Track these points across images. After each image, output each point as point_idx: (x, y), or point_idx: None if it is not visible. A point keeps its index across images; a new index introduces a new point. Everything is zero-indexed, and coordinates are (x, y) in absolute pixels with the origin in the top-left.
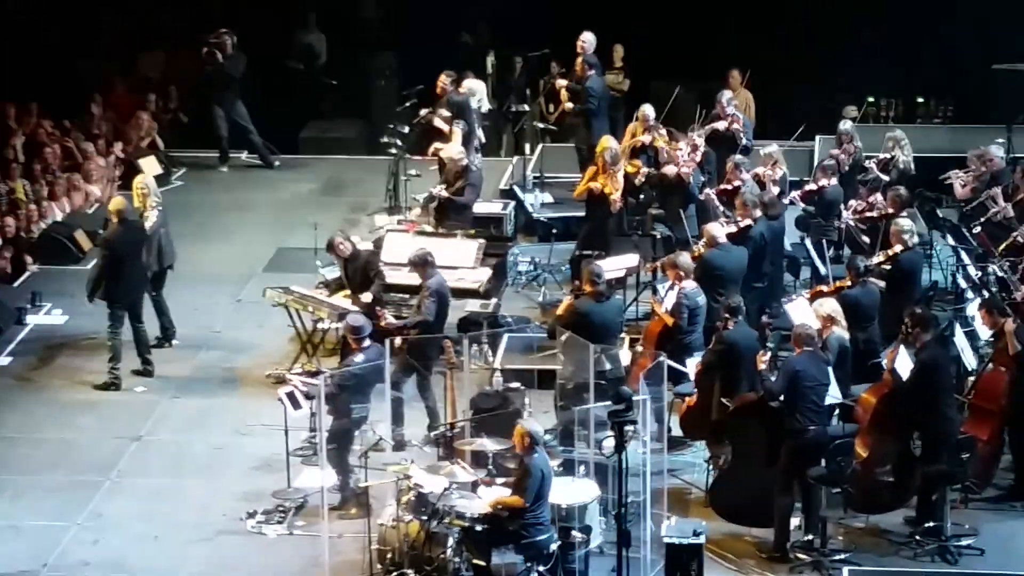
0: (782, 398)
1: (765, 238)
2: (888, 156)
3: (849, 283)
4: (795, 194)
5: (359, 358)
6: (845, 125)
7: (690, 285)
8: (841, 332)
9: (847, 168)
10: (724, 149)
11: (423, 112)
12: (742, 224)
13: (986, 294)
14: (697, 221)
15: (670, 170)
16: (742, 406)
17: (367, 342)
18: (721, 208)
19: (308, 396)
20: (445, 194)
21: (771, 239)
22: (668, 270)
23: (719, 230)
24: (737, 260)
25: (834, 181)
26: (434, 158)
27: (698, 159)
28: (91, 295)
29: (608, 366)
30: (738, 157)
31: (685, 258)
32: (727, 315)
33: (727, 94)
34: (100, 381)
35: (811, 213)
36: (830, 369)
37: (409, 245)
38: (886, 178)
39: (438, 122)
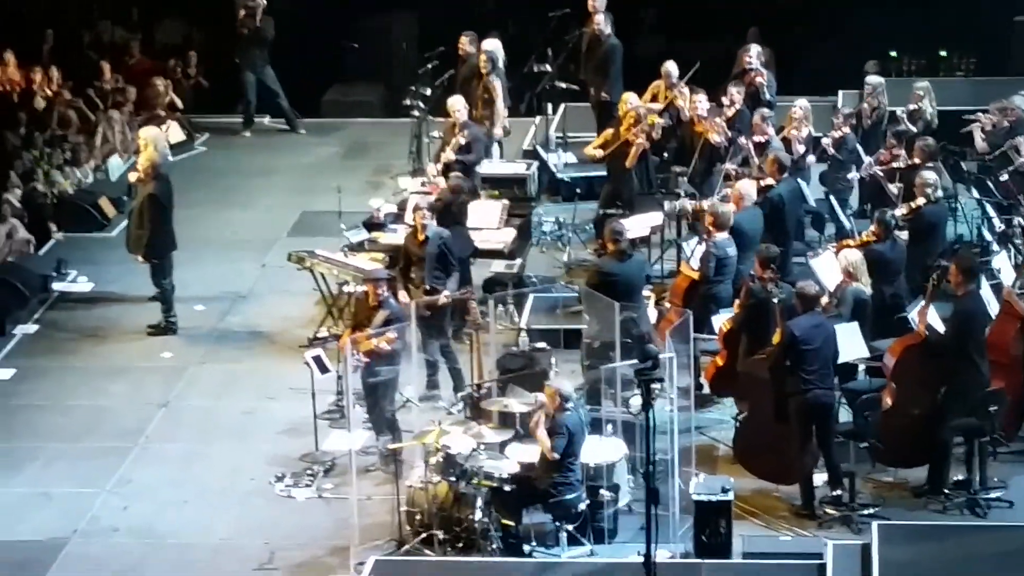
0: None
1: (784, 199)
2: (915, 107)
3: (876, 237)
4: (826, 141)
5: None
6: (873, 80)
7: (722, 236)
8: (859, 286)
9: (870, 123)
10: (748, 105)
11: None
12: (764, 183)
13: (1011, 246)
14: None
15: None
16: (753, 363)
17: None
18: (755, 158)
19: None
20: (453, 157)
21: (789, 200)
22: (706, 216)
23: (752, 189)
24: (759, 222)
25: (847, 130)
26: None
27: (730, 115)
28: (149, 255)
29: (634, 324)
30: (765, 111)
31: (726, 209)
32: (761, 266)
33: (752, 49)
34: (154, 323)
35: (837, 165)
36: (847, 326)
37: None
38: (914, 129)
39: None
